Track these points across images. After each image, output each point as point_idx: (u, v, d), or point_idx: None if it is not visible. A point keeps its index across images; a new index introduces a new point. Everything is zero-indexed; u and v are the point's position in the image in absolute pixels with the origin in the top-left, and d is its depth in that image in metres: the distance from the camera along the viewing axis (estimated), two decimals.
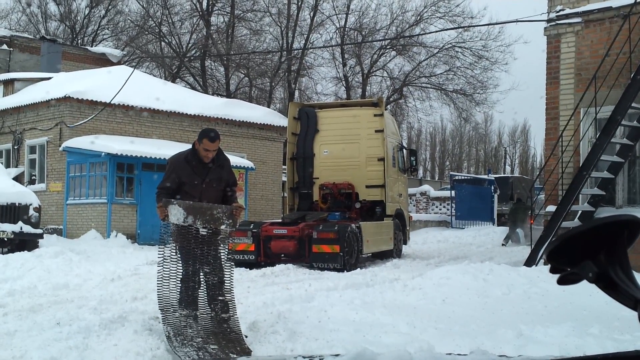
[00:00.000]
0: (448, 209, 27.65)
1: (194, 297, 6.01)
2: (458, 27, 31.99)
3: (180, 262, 5.98)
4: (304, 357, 1.69)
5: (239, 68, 36.32)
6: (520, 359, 1.60)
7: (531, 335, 5.97)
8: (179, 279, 5.96)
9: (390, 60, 36.81)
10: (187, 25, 37.28)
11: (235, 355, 5.56)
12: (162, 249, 5.93)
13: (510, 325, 6.46)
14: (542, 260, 11.07)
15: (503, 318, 6.98)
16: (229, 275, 6.08)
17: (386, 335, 6.14)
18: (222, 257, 6.12)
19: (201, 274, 6.09)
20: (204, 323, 5.92)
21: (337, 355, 1.65)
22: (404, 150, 16.85)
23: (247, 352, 5.62)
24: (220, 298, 6.02)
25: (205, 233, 5.94)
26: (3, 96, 23.18)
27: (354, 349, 1.58)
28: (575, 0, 12.61)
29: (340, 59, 36.66)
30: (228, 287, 6.04)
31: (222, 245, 6.10)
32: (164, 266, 5.90)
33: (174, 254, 5.96)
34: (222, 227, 5.94)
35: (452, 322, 6.76)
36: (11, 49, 29.79)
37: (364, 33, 35.50)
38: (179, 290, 5.94)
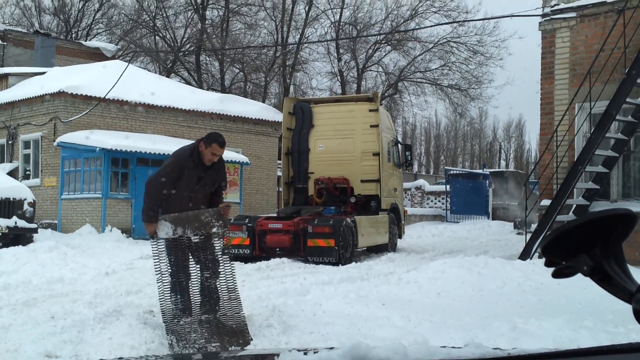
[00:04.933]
0: (443, 203, 27.70)
1: (197, 303, 5.99)
2: (453, 22, 31.97)
3: (180, 273, 5.92)
4: (298, 351, 1.69)
5: (234, 63, 36.24)
6: (514, 351, 1.60)
7: (525, 328, 5.99)
8: (180, 290, 5.91)
9: (385, 55, 36.82)
10: (182, 19, 37.21)
11: (230, 347, 5.58)
12: (158, 264, 5.83)
13: (505, 318, 6.49)
14: (536, 254, 11.10)
15: (497, 311, 7.01)
16: (230, 273, 5.99)
17: (381, 328, 6.15)
18: (219, 258, 6.04)
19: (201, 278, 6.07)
20: (207, 326, 5.88)
21: (331, 348, 1.66)
22: (399, 145, 16.86)
23: (248, 342, 5.67)
24: (216, 297, 6.00)
25: (197, 240, 5.89)
26: None
27: (349, 343, 1.58)
28: None
29: (335, 54, 36.61)
30: (232, 285, 5.97)
31: (218, 247, 6.03)
32: (163, 282, 5.84)
33: (171, 267, 5.89)
34: (214, 229, 5.88)
35: (446, 316, 6.78)
36: (5, 43, 29.61)
37: (358, 28, 35.46)
38: (181, 300, 5.89)
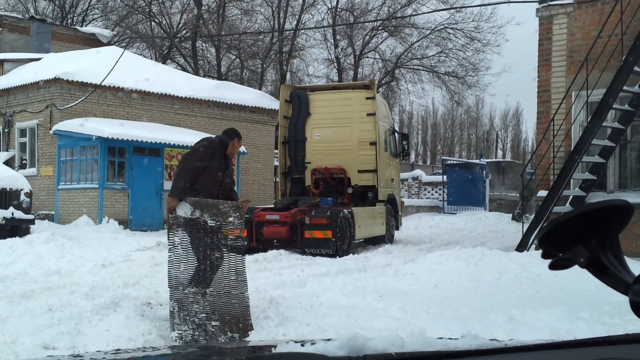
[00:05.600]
0: (440, 194, 27.69)
1: (205, 277, 6.07)
2: (450, 8, 31.86)
3: (191, 248, 6.03)
4: (295, 342, 1.68)
5: (230, 49, 36.10)
6: (511, 342, 1.60)
7: (522, 320, 6.01)
8: (190, 262, 6.01)
9: (382, 41, 36.72)
10: (178, 5, 36.98)
11: (229, 331, 5.63)
12: (173, 235, 5.99)
13: (502, 309, 6.50)
14: (533, 246, 11.11)
15: (494, 303, 7.02)
16: (241, 258, 6.16)
17: (378, 320, 6.17)
18: (232, 244, 6.20)
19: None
20: (211, 299, 5.94)
21: (329, 339, 1.65)
22: (396, 134, 16.81)
23: (248, 329, 5.74)
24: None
25: (213, 224, 6.05)
26: None
27: (346, 334, 1.58)
28: None
29: (332, 40, 36.49)
30: (241, 267, 6.12)
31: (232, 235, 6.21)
32: (174, 252, 5.95)
33: (184, 240, 6.01)
34: (230, 219, 6.10)
35: (443, 307, 6.79)
36: (0, 29, 29.45)
37: (355, 14, 35.31)
38: (190, 271, 5.97)
